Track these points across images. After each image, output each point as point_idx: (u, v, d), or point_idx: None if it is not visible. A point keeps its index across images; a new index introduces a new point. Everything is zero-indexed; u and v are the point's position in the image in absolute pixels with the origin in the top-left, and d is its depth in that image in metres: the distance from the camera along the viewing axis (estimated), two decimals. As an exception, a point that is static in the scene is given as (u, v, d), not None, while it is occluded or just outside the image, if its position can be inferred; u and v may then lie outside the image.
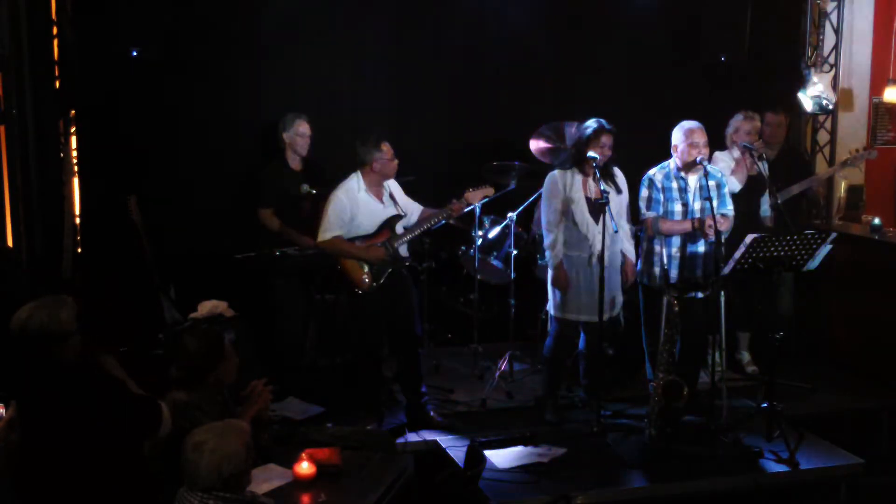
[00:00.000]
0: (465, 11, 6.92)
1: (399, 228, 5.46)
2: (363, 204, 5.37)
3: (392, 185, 5.55)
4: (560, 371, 5.71)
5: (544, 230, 5.51)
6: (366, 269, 5.39)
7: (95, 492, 3.52)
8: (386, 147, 5.36)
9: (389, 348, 5.86)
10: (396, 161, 5.42)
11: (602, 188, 5.26)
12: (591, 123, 5.43)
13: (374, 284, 5.39)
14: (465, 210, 5.67)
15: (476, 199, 5.63)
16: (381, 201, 5.44)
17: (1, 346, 3.73)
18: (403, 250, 5.51)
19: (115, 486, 3.57)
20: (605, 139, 5.38)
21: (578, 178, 5.45)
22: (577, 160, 5.46)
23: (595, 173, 5.38)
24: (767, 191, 6.10)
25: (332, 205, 5.34)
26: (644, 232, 5.65)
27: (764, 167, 5.92)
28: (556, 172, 5.50)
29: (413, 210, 5.61)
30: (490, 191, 5.67)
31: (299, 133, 6.00)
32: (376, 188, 5.42)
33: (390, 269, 5.41)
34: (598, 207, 5.34)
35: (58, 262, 5.87)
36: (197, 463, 3.18)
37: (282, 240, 5.93)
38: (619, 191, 5.51)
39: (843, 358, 6.79)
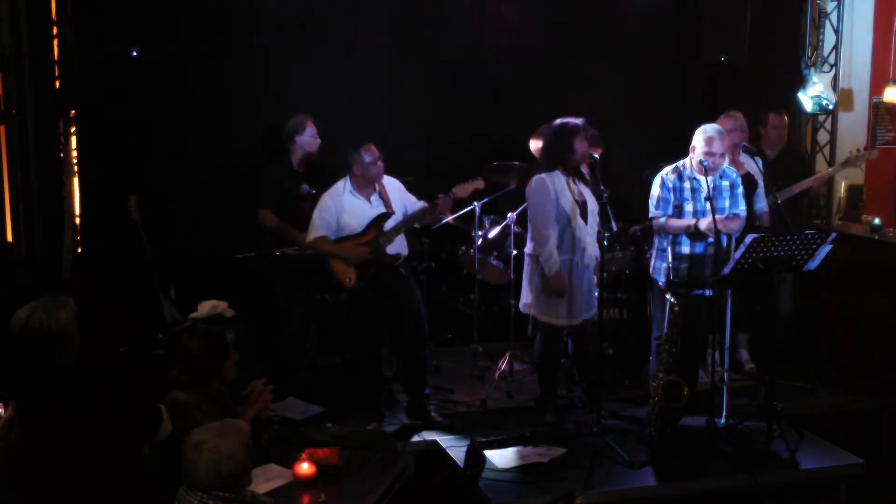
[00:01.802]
0: (465, 11, 6.92)
1: (387, 226, 5.47)
2: (349, 205, 5.42)
3: (390, 185, 5.55)
4: (554, 372, 5.70)
5: (536, 238, 5.41)
6: (350, 268, 5.41)
7: (95, 492, 3.52)
8: (367, 151, 5.39)
9: (389, 348, 5.87)
10: (381, 164, 5.43)
11: (602, 188, 5.26)
12: (568, 120, 5.42)
13: (358, 283, 5.41)
14: (461, 211, 5.66)
15: (464, 193, 5.63)
16: (369, 201, 5.46)
17: (0, 345, 3.73)
18: (394, 248, 5.49)
19: (115, 486, 3.57)
20: (584, 134, 5.38)
21: (562, 178, 5.43)
22: (559, 159, 5.41)
23: (595, 172, 5.39)
24: (762, 189, 6.08)
25: (317, 207, 5.47)
26: (644, 230, 5.66)
27: (757, 164, 5.89)
28: (543, 175, 5.40)
29: (415, 208, 5.60)
30: (480, 183, 5.63)
31: (311, 135, 6.01)
32: (365, 189, 5.46)
33: (374, 268, 5.40)
34: (584, 207, 5.35)
35: (58, 262, 5.87)
36: (196, 462, 3.18)
37: (282, 240, 5.93)
38: (601, 193, 5.49)
39: (843, 358, 6.79)
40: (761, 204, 6.15)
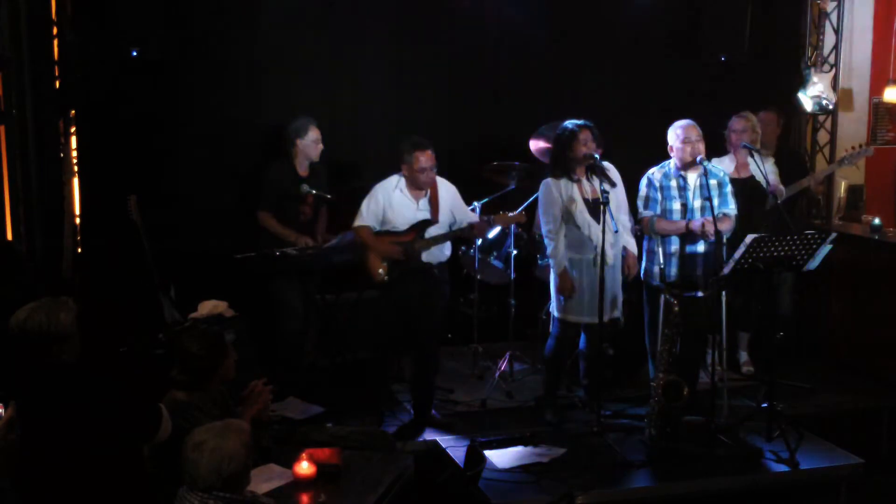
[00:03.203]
0: (466, 12, 6.91)
1: (429, 233, 5.46)
2: (396, 202, 5.43)
3: (446, 192, 5.52)
4: (560, 371, 5.72)
5: (545, 239, 5.49)
6: (384, 262, 5.44)
7: (95, 492, 3.52)
8: (420, 156, 5.32)
9: (395, 348, 5.87)
10: (432, 173, 5.39)
11: (602, 188, 5.26)
12: (566, 124, 5.44)
13: (386, 279, 5.43)
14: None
15: (503, 224, 5.76)
16: (417, 203, 5.44)
17: (1, 346, 3.73)
18: (430, 255, 5.46)
19: (115, 487, 3.57)
20: (584, 136, 5.38)
21: (570, 182, 5.44)
22: (562, 165, 5.43)
23: (597, 171, 5.40)
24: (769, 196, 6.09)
25: (367, 196, 5.50)
26: (642, 231, 5.66)
27: (763, 167, 5.87)
28: (550, 180, 5.46)
29: (465, 220, 5.58)
30: (522, 218, 5.75)
31: (314, 139, 5.99)
32: (415, 190, 5.44)
33: (404, 269, 5.41)
34: (596, 207, 5.35)
35: (58, 262, 5.87)
36: (197, 463, 3.18)
37: (282, 240, 5.93)
38: (612, 184, 5.49)
39: (843, 358, 6.79)
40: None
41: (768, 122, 6.55)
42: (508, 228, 6.26)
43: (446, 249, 5.58)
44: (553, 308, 5.59)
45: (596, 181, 5.45)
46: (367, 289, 6.05)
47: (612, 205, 5.29)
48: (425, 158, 5.34)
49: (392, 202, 5.44)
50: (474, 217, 5.67)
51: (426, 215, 5.46)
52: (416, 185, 5.42)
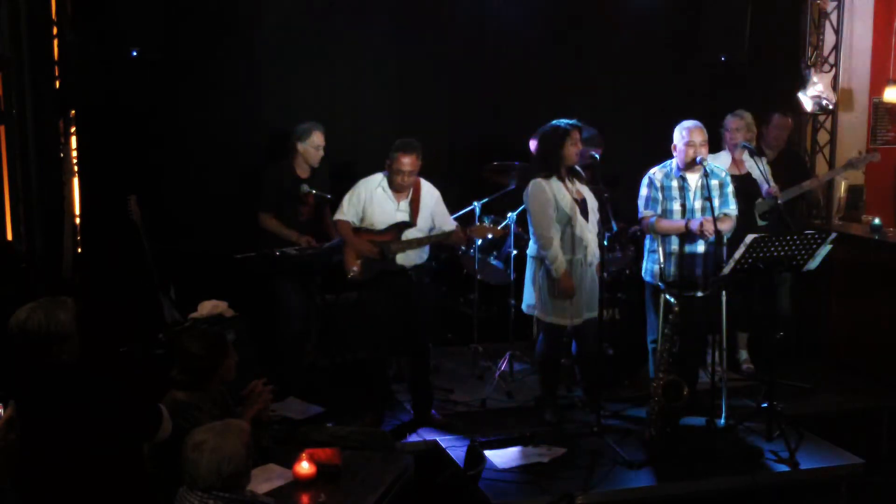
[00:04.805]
0: (465, 12, 6.92)
1: (407, 235, 5.44)
2: (378, 200, 5.42)
3: (428, 195, 5.50)
4: (556, 371, 5.71)
5: (540, 241, 5.39)
6: (358, 259, 5.43)
7: (95, 492, 3.52)
8: (401, 157, 5.30)
9: (391, 348, 5.87)
10: (410, 179, 5.36)
11: (602, 187, 5.27)
12: (561, 122, 5.42)
13: (359, 276, 5.42)
14: (461, 211, 5.69)
15: (481, 236, 5.77)
16: (398, 204, 5.43)
17: (0, 345, 3.73)
18: (406, 258, 5.45)
19: (115, 486, 3.57)
20: (576, 135, 5.38)
21: (559, 181, 5.43)
22: (552, 164, 5.40)
23: (595, 172, 5.40)
24: (763, 195, 6.09)
25: (350, 191, 5.50)
26: (642, 230, 5.67)
27: (761, 167, 5.88)
28: (540, 179, 5.40)
29: (444, 226, 5.56)
30: (499, 232, 5.78)
31: (315, 145, 5.98)
32: (399, 192, 5.43)
33: (379, 268, 5.41)
34: (584, 207, 5.35)
35: (58, 262, 5.87)
36: (197, 462, 3.19)
37: (282, 240, 5.93)
38: (589, 184, 5.49)
39: (843, 358, 6.80)
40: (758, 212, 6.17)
41: (783, 127, 6.55)
42: (509, 230, 6.26)
43: (424, 253, 5.55)
44: (539, 311, 5.51)
45: (576, 182, 5.45)
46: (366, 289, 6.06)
47: (592, 209, 5.30)
48: (405, 161, 5.31)
49: (373, 199, 5.42)
50: (453, 225, 5.61)
51: (406, 217, 5.45)
52: (392, 184, 5.40)
